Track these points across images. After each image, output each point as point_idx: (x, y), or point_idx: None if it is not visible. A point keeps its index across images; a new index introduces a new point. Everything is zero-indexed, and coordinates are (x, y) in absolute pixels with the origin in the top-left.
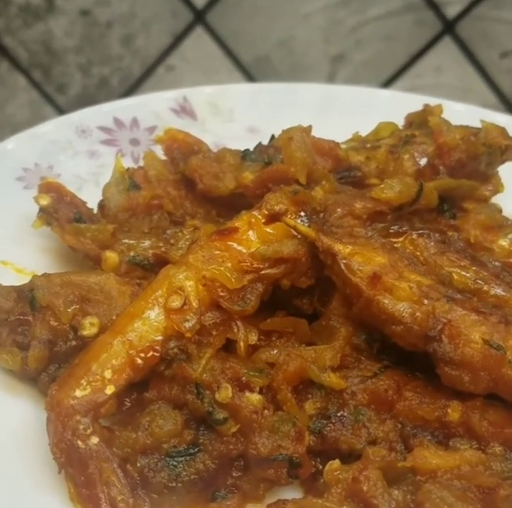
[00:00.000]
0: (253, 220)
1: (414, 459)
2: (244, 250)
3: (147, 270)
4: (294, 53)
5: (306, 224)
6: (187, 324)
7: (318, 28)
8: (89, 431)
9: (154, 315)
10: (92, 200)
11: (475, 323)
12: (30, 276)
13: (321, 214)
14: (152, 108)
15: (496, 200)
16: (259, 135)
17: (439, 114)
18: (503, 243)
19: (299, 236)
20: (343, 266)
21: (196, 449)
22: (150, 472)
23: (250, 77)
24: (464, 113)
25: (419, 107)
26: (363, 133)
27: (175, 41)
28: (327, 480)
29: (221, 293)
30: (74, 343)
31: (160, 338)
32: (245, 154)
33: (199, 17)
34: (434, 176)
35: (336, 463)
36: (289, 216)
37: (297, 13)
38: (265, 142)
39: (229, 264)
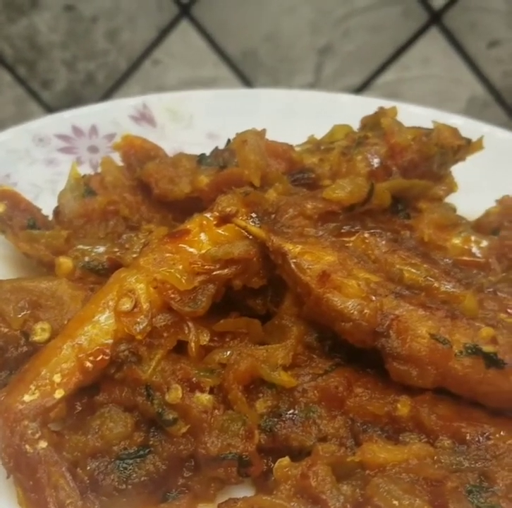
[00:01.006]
0: (205, 222)
1: (362, 454)
2: (195, 252)
3: (101, 275)
4: (281, 46)
5: (257, 225)
6: (138, 327)
7: (305, 20)
8: (37, 435)
9: (104, 318)
10: (49, 208)
11: (422, 318)
12: None
13: (273, 215)
14: (112, 115)
15: (450, 199)
16: (218, 141)
17: (392, 116)
18: (456, 241)
19: (250, 237)
20: (293, 265)
21: (146, 451)
22: (100, 475)
23: (236, 70)
24: (422, 116)
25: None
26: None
27: (160, 36)
28: (277, 477)
29: (172, 295)
30: (25, 349)
31: (110, 341)
32: (200, 159)
33: (185, 10)
34: (386, 177)
35: (285, 460)
36: (240, 217)
37: (283, 4)
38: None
39: (180, 266)
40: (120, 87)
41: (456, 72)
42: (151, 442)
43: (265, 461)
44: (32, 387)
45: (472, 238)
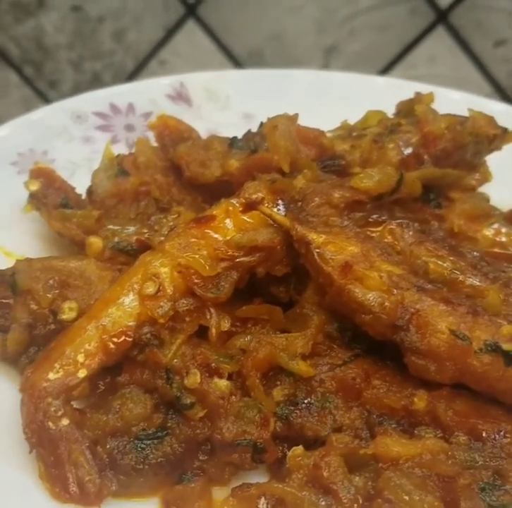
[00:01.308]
0: (231, 208)
1: (376, 447)
2: (220, 238)
3: (130, 256)
4: (286, 45)
5: (282, 213)
6: (161, 310)
7: (310, 19)
8: (60, 413)
9: (129, 300)
10: (84, 186)
11: (443, 313)
12: (19, 258)
13: (299, 203)
14: (149, 94)
15: (484, 189)
16: (253, 121)
17: (428, 103)
18: (487, 232)
19: (275, 225)
20: (315, 255)
21: (164, 433)
22: (119, 454)
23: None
24: (460, 102)
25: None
26: (355, 121)
27: (167, 35)
28: (290, 466)
29: (196, 280)
30: (53, 326)
31: (133, 323)
32: (232, 142)
33: (191, 10)
34: (418, 166)
35: (299, 449)
36: (266, 204)
37: (289, 4)
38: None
39: (205, 252)
40: None
41: (462, 71)
42: (169, 424)
43: (280, 448)
44: (57, 366)
45: (503, 230)
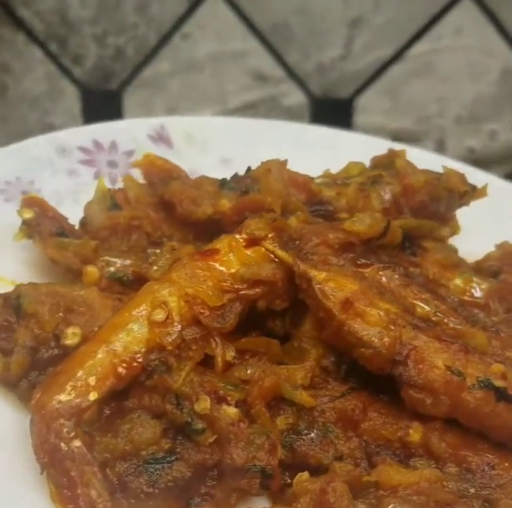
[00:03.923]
0: (233, 243)
1: (378, 474)
2: (225, 271)
3: (125, 286)
4: (311, 18)
5: (283, 250)
6: (169, 338)
7: None
8: (72, 434)
9: (138, 327)
10: (70, 216)
11: (438, 350)
12: (9, 285)
13: (297, 242)
14: (131, 133)
15: (451, 241)
16: (231, 166)
17: (403, 157)
18: (458, 281)
19: (276, 261)
20: (317, 290)
21: (173, 458)
22: (129, 477)
23: (266, 43)
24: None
25: (380, 150)
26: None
27: (190, 8)
28: (296, 490)
29: (201, 310)
30: (56, 351)
31: (143, 349)
32: (222, 183)
33: None
34: (398, 215)
35: (305, 474)
36: (268, 241)
37: None
38: (238, 173)
39: (210, 283)
40: (149, 62)
41: (489, 43)
42: (178, 450)
43: (281, 476)
44: (68, 388)
45: (474, 279)
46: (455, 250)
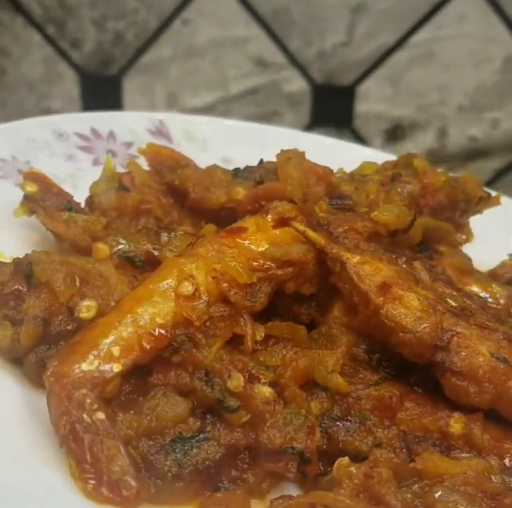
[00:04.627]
0: (261, 223)
1: (424, 462)
2: (254, 248)
3: (137, 267)
4: (313, 4)
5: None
6: (197, 312)
7: None
8: (95, 406)
9: (164, 299)
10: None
11: (480, 337)
12: (9, 260)
13: (325, 227)
14: (129, 125)
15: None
16: (232, 165)
17: (422, 158)
18: (475, 287)
19: (306, 242)
20: (352, 273)
21: (203, 437)
22: (154, 456)
23: (267, 29)
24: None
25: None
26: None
27: None
28: (337, 476)
29: (230, 287)
30: (68, 325)
31: (169, 322)
32: (236, 172)
33: None
34: (418, 215)
35: (345, 459)
36: (298, 222)
37: None
38: None
39: (239, 260)
40: (149, 47)
41: (492, 31)
42: (207, 429)
43: None
44: (91, 357)
45: (493, 285)
46: (468, 258)
